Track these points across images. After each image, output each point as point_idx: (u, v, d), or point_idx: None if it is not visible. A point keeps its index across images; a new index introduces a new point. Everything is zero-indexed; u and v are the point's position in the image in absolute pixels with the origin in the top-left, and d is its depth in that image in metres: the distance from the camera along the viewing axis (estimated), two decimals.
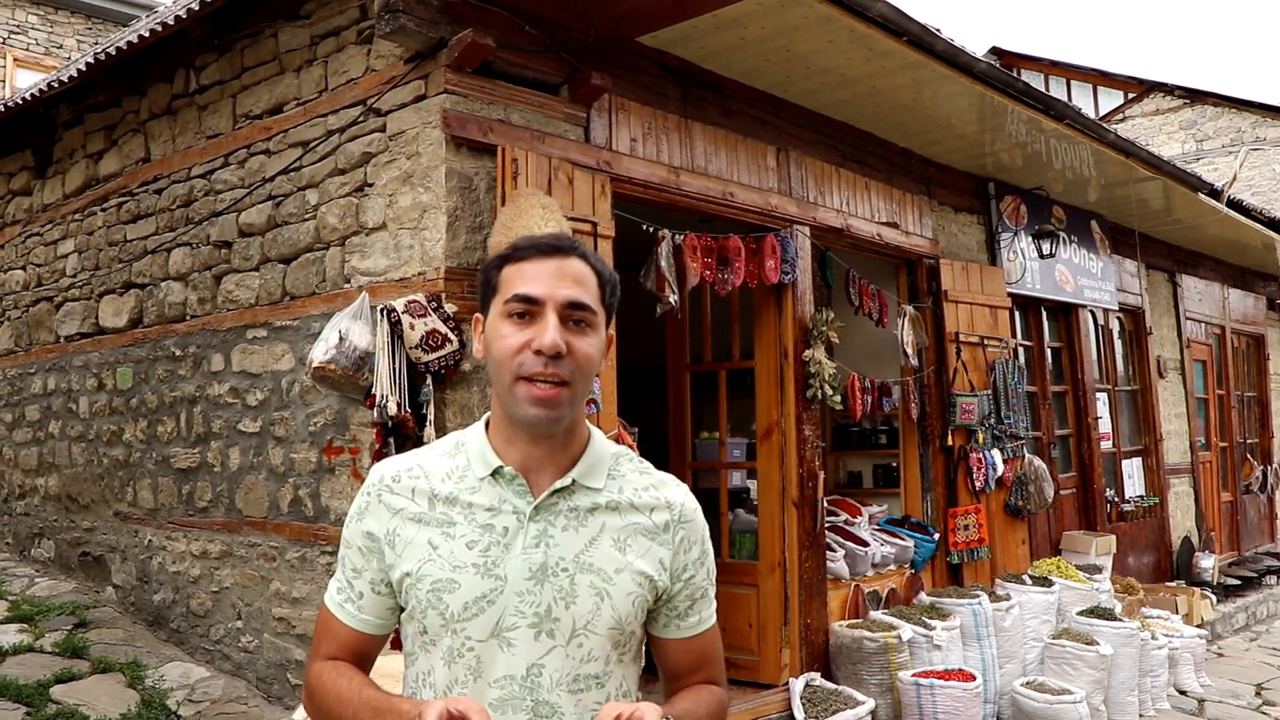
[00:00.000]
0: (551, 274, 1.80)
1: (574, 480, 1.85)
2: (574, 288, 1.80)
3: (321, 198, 5.54)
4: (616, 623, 1.81)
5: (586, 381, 1.82)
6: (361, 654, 1.94)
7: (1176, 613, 9.41)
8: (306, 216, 5.64)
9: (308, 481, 5.57)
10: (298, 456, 5.63)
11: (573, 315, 1.79)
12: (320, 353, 4.86)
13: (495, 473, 1.85)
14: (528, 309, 1.79)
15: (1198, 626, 9.48)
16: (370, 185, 5.25)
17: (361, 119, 5.27)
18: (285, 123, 5.81)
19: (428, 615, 1.81)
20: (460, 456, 1.90)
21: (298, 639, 5.60)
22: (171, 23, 6.05)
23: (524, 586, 1.79)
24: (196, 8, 5.79)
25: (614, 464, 1.92)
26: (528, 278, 1.80)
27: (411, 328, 4.66)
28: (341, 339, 4.83)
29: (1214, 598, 10.65)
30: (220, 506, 6.21)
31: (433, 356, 4.71)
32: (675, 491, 1.94)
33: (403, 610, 1.89)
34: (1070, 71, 20.88)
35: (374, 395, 4.66)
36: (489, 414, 1.92)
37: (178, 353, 6.58)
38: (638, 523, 1.87)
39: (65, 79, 7.19)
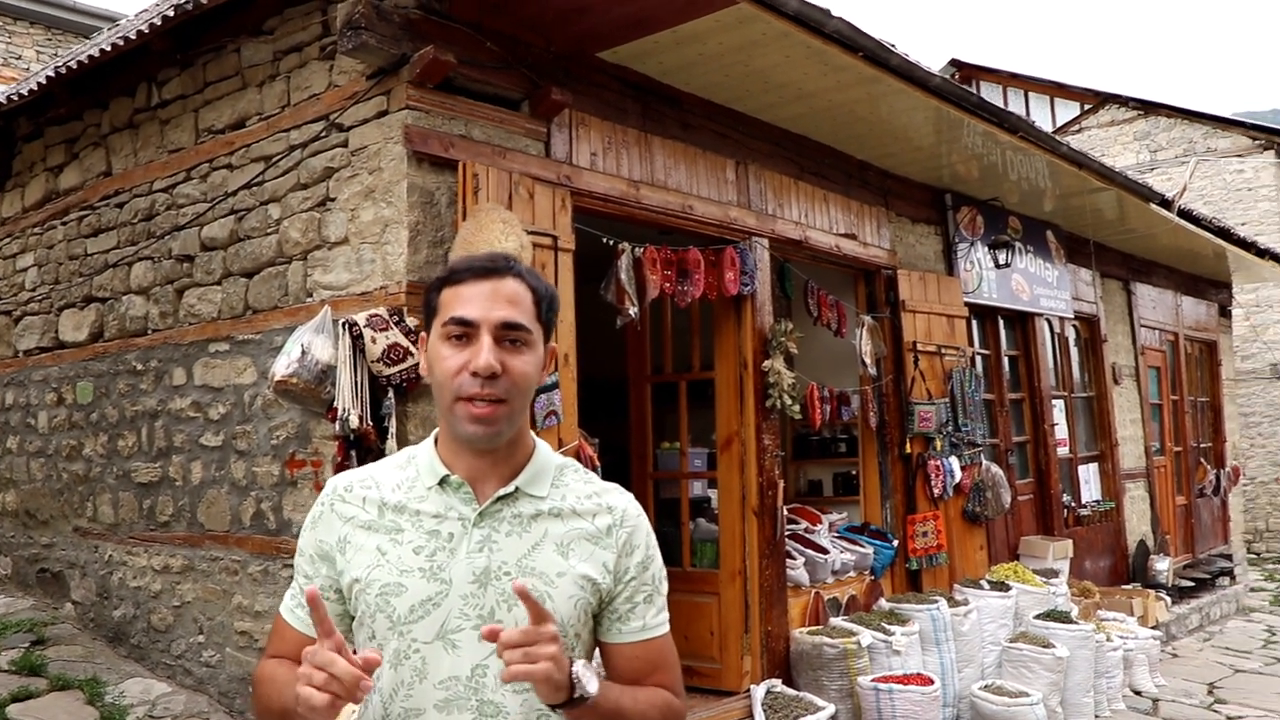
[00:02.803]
0: (486, 296, 1.87)
1: (517, 488, 1.92)
2: (507, 309, 1.86)
3: (284, 212, 5.56)
4: (559, 625, 1.86)
5: (524, 397, 1.89)
6: None
7: (1132, 615, 9.55)
8: (269, 231, 5.66)
9: (270, 495, 5.58)
10: (260, 470, 5.65)
11: (507, 335, 1.86)
12: (282, 366, 4.89)
13: (442, 481, 1.92)
14: (464, 331, 1.86)
15: (1153, 628, 9.64)
16: (332, 200, 5.28)
17: (324, 134, 5.30)
18: (248, 137, 5.83)
19: (376, 619, 1.88)
20: (411, 468, 1.98)
21: (260, 653, 5.59)
22: (133, 37, 6.06)
23: (468, 590, 1.86)
24: (159, 22, 5.80)
25: (558, 474, 1.99)
26: (463, 300, 1.87)
27: (373, 341, 4.70)
28: (304, 353, 4.86)
29: (1169, 599, 10.82)
30: (182, 521, 6.21)
31: (394, 370, 4.75)
32: (618, 498, 2.01)
33: (353, 619, 1.94)
34: (1028, 83, 21.11)
35: (336, 408, 4.70)
36: (438, 429, 1.99)
37: (139, 367, 6.58)
38: (580, 528, 1.94)
39: (25, 92, 7.17)
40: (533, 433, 2.03)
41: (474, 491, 1.91)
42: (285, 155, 5.53)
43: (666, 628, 2.03)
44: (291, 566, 5.26)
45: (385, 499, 1.94)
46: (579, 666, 1.75)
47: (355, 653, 1.71)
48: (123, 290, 6.75)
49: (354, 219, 5.15)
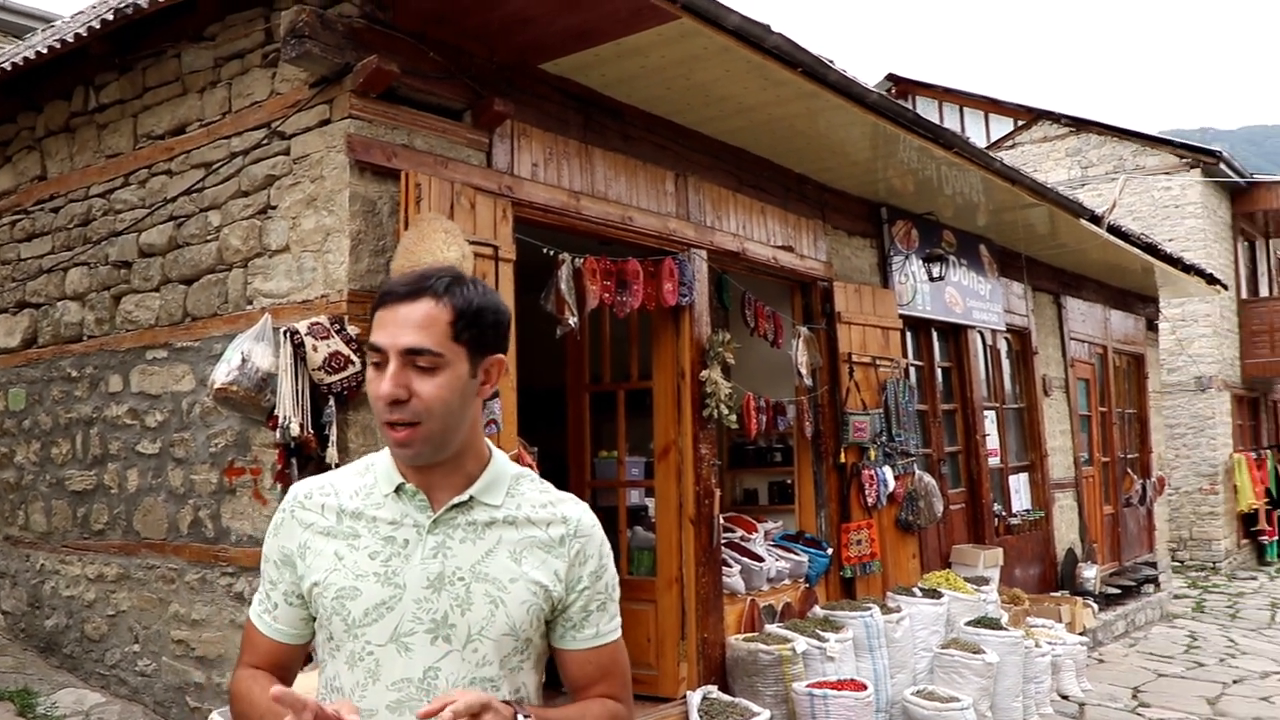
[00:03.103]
0: (397, 322, 1.89)
1: (472, 496, 1.97)
2: (414, 334, 1.87)
3: (224, 219, 5.55)
4: (510, 629, 1.93)
5: (444, 418, 1.90)
6: (281, 664, 2.07)
7: (1060, 621, 9.74)
8: (209, 238, 5.64)
9: (208, 503, 5.56)
10: (198, 478, 5.62)
11: (414, 361, 1.88)
12: (222, 374, 4.89)
13: (398, 489, 1.97)
14: (379, 358, 1.90)
15: (1080, 634, 9.84)
16: (274, 208, 5.28)
17: (265, 141, 5.30)
18: (188, 143, 5.80)
19: (332, 621, 1.93)
20: (369, 475, 2.03)
21: (197, 661, 5.58)
22: (70, 40, 6.01)
23: (422, 594, 1.91)
24: (98, 26, 5.75)
25: (514, 483, 2.04)
26: (378, 327, 1.92)
27: (314, 349, 4.71)
28: (244, 360, 4.86)
29: (1095, 606, 11.07)
30: (117, 529, 6.17)
31: (335, 378, 4.76)
32: (572, 508, 2.05)
33: (316, 621, 2.00)
34: (963, 99, 21.46)
35: (277, 416, 4.70)
36: None
37: (74, 373, 6.52)
38: (534, 536, 1.99)
39: None
40: (490, 442, 2.07)
41: (429, 499, 1.96)
42: (226, 162, 5.52)
43: (619, 633, 2.10)
44: (230, 575, 5.30)
45: (343, 506, 1.99)
46: None
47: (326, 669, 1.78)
48: (57, 296, 6.69)
49: (295, 227, 5.16)
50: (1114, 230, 10.98)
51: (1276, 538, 20.54)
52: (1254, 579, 18.04)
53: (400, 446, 1.91)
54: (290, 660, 2.09)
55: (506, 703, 1.84)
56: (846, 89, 6.47)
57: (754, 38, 5.64)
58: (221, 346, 5.30)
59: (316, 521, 1.99)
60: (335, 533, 1.97)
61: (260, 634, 2.05)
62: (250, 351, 4.89)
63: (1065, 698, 8.81)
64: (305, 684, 2.21)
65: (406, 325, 1.88)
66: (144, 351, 6.02)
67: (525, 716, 1.83)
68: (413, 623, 1.91)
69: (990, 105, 21.21)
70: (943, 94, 21.47)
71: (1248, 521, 20.06)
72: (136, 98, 6.21)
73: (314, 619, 2.01)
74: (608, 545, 2.10)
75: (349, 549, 1.94)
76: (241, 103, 5.52)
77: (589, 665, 2.05)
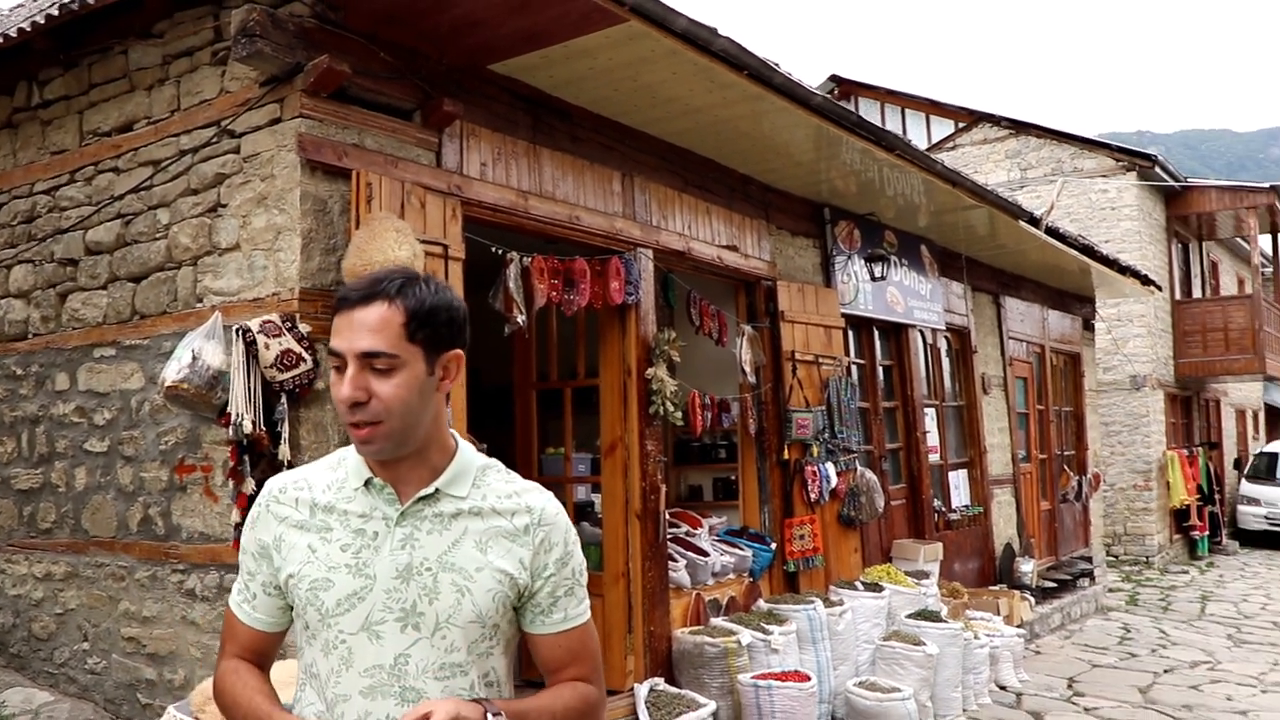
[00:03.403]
0: (352, 327, 1.97)
1: (437, 489, 2.05)
2: (369, 338, 1.95)
3: (173, 217, 5.56)
4: (477, 616, 2.01)
5: (404, 415, 1.97)
6: (260, 651, 2.15)
7: (998, 614, 9.93)
8: (157, 236, 5.65)
9: (158, 500, 5.57)
10: (148, 475, 5.63)
11: (371, 363, 1.95)
12: (173, 372, 4.90)
13: (367, 483, 2.05)
14: (339, 362, 1.98)
15: (1017, 627, 10.03)
16: (224, 206, 5.30)
17: (215, 140, 5.32)
18: (135, 141, 5.81)
19: (307, 611, 2.01)
20: (341, 470, 2.11)
21: (148, 658, 5.59)
22: (14, 35, 6.00)
23: (391, 585, 1.99)
24: (42, 21, 5.75)
25: (480, 475, 2.12)
26: (336, 332, 1.99)
27: (266, 347, 4.74)
28: (194, 358, 4.89)
29: (1033, 600, 11.28)
30: (65, 527, 6.15)
31: (287, 375, 4.80)
32: (537, 498, 2.13)
33: (293, 610, 2.08)
34: (906, 100, 21.74)
35: (229, 414, 4.73)
36: None
37: (19, 372, 6.49)
38: (499, 526, 2.06)
39: None
40: (456, 434, 2.14)
41: (397, 492, 2.04)
42: (175, 160, 5.53)
43: (587, 616, 2.18)
44: (181, 572, 5.33)
45: (316, 500, 2.07)
46: None
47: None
48: (1, 294, 6.65)
49: (246, 225, 5.18)
50: (1052, 232, 11.20)
51: (1207, 533, 20.97)
52: (1185, 573, 18.42)
53: (364, 444, 1.99)
54: (269, 647, 2.17)
55: (476, 701, 1.92)
56: (791, 92, 6.58)
57: (701, 41, 5.73)
58: (171, 344, 5.32)
59: (291, 515, 2.07)
60: (309, 526, 2.05)
61: (240, 623, 2.13)
62: (201, 349, 4.91)
63: (1003, 688, 8.99)
64: (281, 672, 2.29)
65: (361, 329, 1.95)
66: (92, 349, 6.01)
67: (495, 714, 1.90)
68: (383, 612, 1.98)
69: (932, 107, 21.51)
70: (885, 95, 21.75)
71: (1180, 517, 20.46)
72: (83, 94, 6.19)
73: (291, 608, 2.08)
74: (574, 533, 2.17)
75: (321, 541, 2.02)
76: (190, 100, 5.53)
77: (559, 649, 2.13)
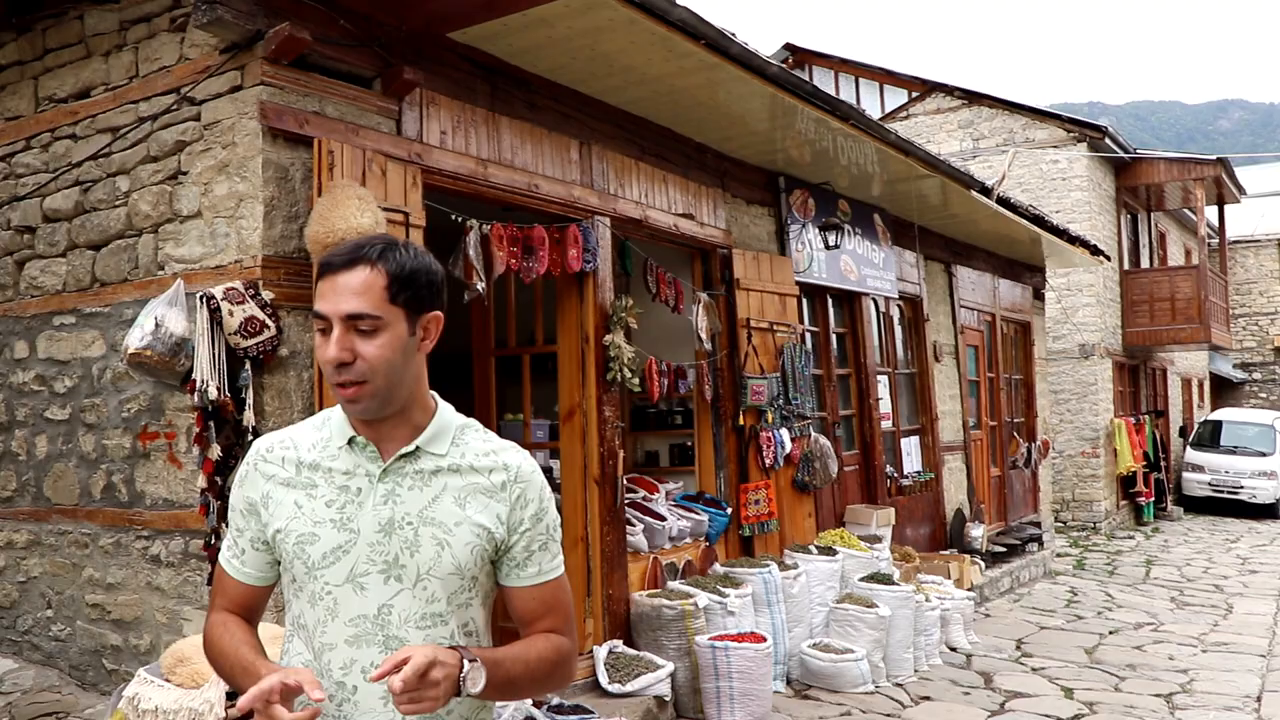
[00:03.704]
0: (336, 291, 2.04)
1: (418, 447, 2.13)
2: (353, 300, 2.03)
3: (133, 184, 5.57)
4: (456, 568, 2.10)
5: (387, 374, 2.06)
6: (248, 605, 2.24)
7: (949, 578, 10.14)
8: (117, 203, 5.65)
9: (121, 467, 5.60)
10: (110, 443, 5.66)
11: (356, 325, 2.03)
12: (136, 339, 4.94)
13: (350, 442, 2.13)
14: (324, 325, 2.06)
15: (968, 590, 10.25)
16: (185, 173, 5.32)
17: (175, 107, 5.32)
18: (93, 107, 5.80)
19: (294, 565, 2.10)
20: (326, 429, 2.19)
21: (114, 624, 5.63)
22: None
23: (374, 538, 2.07)
24: None
25: (459, 433, 2.20)
26: (320, 296, 2.07)
27: (230, 314, 4.78)
28: (158, 325, 4.92)
29: (982, 564, 11.52)
30: (27, 495, 6.16)
31: (251, 342, 4.84)
32: (513, 455, 2.22)
33: (281, 565, 2.17)
34: (860, 70, 21.83)
35: (194, 380, 4.77)
36: None
37: None
38: (477, 482, 2.15)
39: None
40: (436, 395, 2.22)
41: (379, 450, 2.12)
42: (134, 127, 5.53)
43: (561, 571, 2.26)
44: (145, 538, 5.38)
45: (302, 458, 2.15)
46: (467, 670, 1.96)
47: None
48: None
49: (207, 193, 5.21)
50: (1003, 202, 11.36)
51: (1153, 499, 21.39)
52: (1131, 538, 18.80)
53: (350, 403, 2.07)
54: (257, 602, 2.26)
55: (453, 648, 2.00)
56: (748, 61, 6.66)
57: (659, 10, 5.80)
58: (133, 312, 5.35)
59: (278, 473, 2.15)
60: (295, 483, 2.13)
61: (229, 578, 2.22)
62: (164, 316, 4.95)
63: (954, 649, 9.19)
64: (266, 633, 2.36)
65: (346, 292, 2.03)
66: (51, 317, 6.01)
67: (471, 660, 1.97)
68: (367, 564, 2.07)
69: (886, 77, 21.63)
70: (839, 65, 21.83)
71: (1126, 483, 20.86)
72: (37, 59, 6.15)
73: (279, 563, 2.17)
74: (548, 489, 2.26)
75: (307, 498, 2.11)
76: (149, 67, 5.53)
77: (533, 601, 2.22)
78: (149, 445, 5.45)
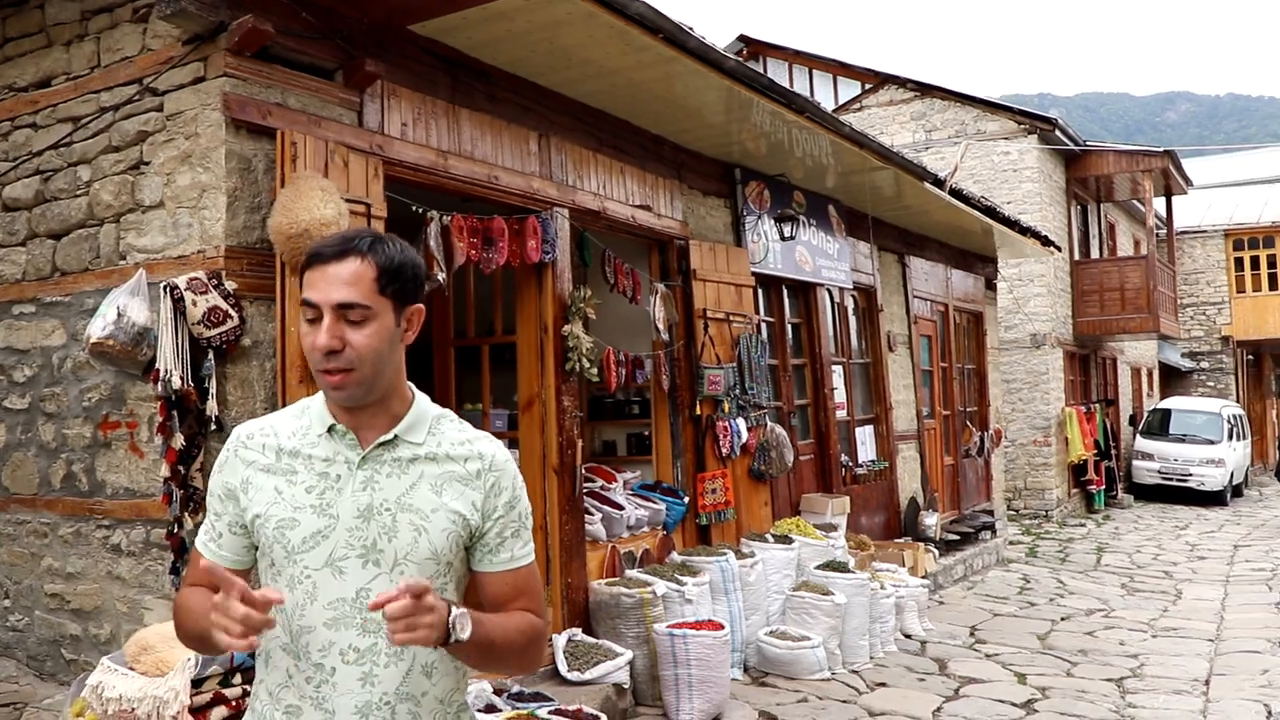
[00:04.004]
0: (327, 280, 2.10)
1: (396, 435, 2.20)
2: (344, 290, 2.09)
3: (95, 174, 5.58)
4: (433, 554, 2.16)
5: (374, 363, 2.13)
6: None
7: (903, 566, 10.28)
8: (78, 192, 5.66)
9: (82, 457, 5.62)
10: (71, 432, 5.67)
11: (346, 314, 2.10)
12: (98, 329, 4.96)
13: (330, 430, 2.20)
14: (313, 313, 2.12)
15: (922, 578, 10.39)
16: (147, 164, 5.33)
17: (137, 98, 5.34)
18: (54, 97, 5.79)
19: (274, 549, 2.15)
20: (305, 418, 2.25)
21: (73, 614, 5.65)
22: None
23: (353, 524, 2.14)
24: None
25: (435, 423, 2.27)
26: (310, 285, 2.13)
27: (194, 304, 4.82)
28: (120, 315, 4.94)
29: (936, 552, 11.69)
30: None
31: (214, 332, 4.88)
32: (488, 445, 2.29)
33: (258, 550, 2.22)
34: (813, 61, 21.96)
35: (158, 370, 4.80)
36: None
37: None
38: (453, 471, 2.22)
39: None
40: (413, 385, 2.29)
41: (358, 438, 2.19)
42: (96, 117, 5.54)
43: (532, 558, 2.33)
44: (106, 527, 5.40)
45: (282, 445, 2.21)
46: (455, 614, 2.02)
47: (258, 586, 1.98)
48: None
49: (170, 183, 5.23)
50: (956, 193, 11.51)
51: (1103, 487, 21.70)
52: (1083, 525, 19.09)
53: (335, 390, 2.13)
54: None
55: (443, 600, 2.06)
56: (705, 55, 6.74)
57: (618, 4, 5.86)
58: (94, 301, 5.37)
59: (258, 460, 2.21)
60: (275, 469, 2.18)
61: (204, 558, 2.24)
62: (126, 306, 4.97)
63: (908, 636, 9.34)
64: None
65: (337, 282, 2.09)
66: (10, 306, 6.01)
67: (460, 611, 2.04)
68: (345, 549, 2.13)
69: (839, 68, 21.77)
70: (793, 56, 21.95)
71: (1078, 472, 21.15)
72: None
73: (255, 547, 2.22)
74: (520, 479, 2.33)
75: (288, 484, 2.17)
76: (111, 58, 5.54)
77: (505, 586, 2.29)
78: (110, 435, 5.47)
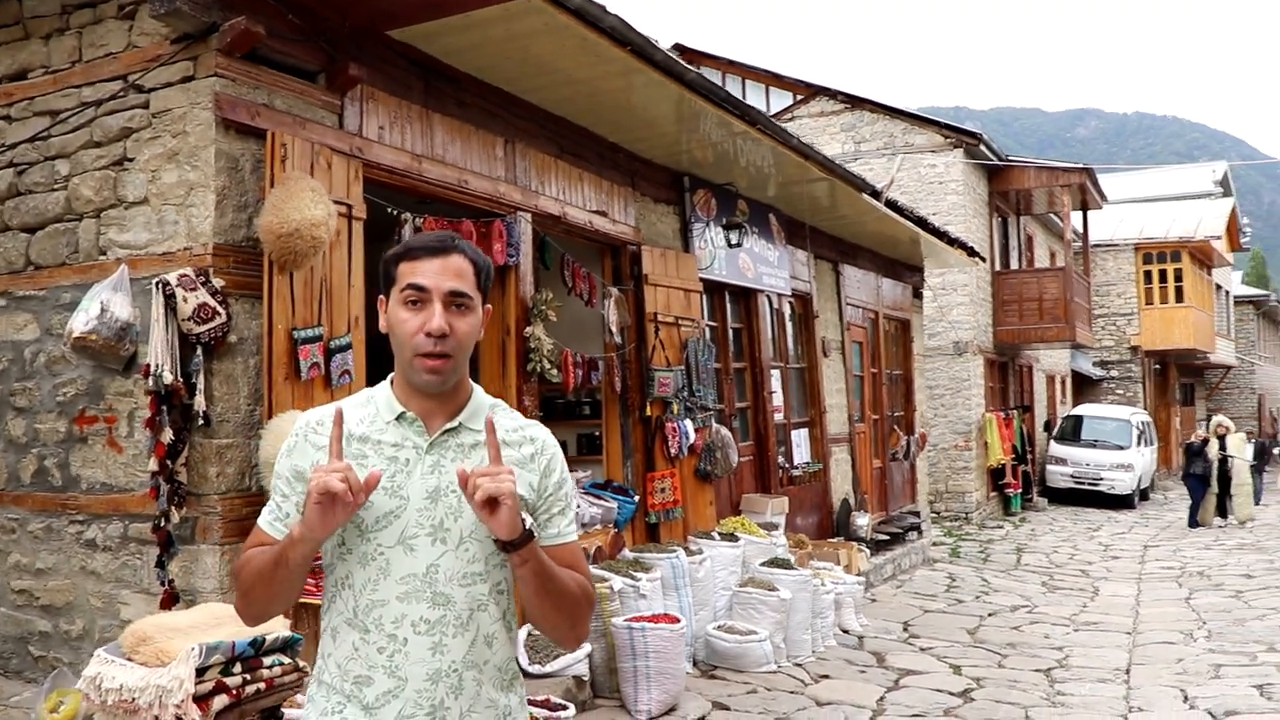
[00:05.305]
0: (438, 270, 2.26)
1: (460, 423, 2.34)
2: (455, 280, 2.26)
3: (74, 169, 5.58)
4: None
5: (466, 352, 2.30)
6: None
7: (839, 564, 10.54)
8: (56, 186, 5.66)
9: (55, 452, 5.62)
10: (43, 427, 5.66)
11: (454, 301, 2.26)
12: (81, 323, 4.99)
13: (399, 417, 2.33)
14: (419, 296, 2.25)
15: (857, 575, 10.65)
16: (131, 160, 5.36)
17: (122, 94, 5.36)
18: (30, 90, 5.78)
19: (347, 528, 2.27)
20: (370, 406, 2.37)
21: (42, 610, 5.64)
22: None
23: (422, 505, 2.27)
24: None
25: (491, 411, 2.40)
26: (415, 273, 2.27)
27: (184, 300, 4.87)
28: (104, 310, 4.99)
29: (868, 551, 11.97)
30: None
31: (203, 328, 4.94)
32: (538, 430, 2.44)
33: None
34: (746, 71, 22.25)
35: (148, 365, 4.85)
36: (393, 374, 2.37)
37: None
38: (510, 455, 2.35)
39: None
40: (469, 379, 2.43)
41: (425, 425, 2.32)
42: (76, 112, 5.55)
43: (576, 535, 2.48)
44: (80, 523, 5.41)
45: (351, 431, 2.32)
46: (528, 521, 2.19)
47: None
48: None
49: (155, 180, 5.26)
50: (891, 205, 11.83)
51: (1020, 490, 22.25)
52: (1001, 527, 19.57)
53: (434, 374, 2.25)
54: None
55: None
56: (670, 68, 6.93)
57: (592, 17, 6.02)
58: (70, 296, 5.39)
59: (329, 445, 2.30)
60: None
61: (270, 537, 2.36)
62: (109, 301, 5.02)
63: (846, 631, 9.59)
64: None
65: (448, 272, 2.26)
66: None
67: (530, 527, 2.20)
68: (416, 528, 2.27)
69: (772, 79, 22.08)
70: (727, 66, 22.21)
71: (996, 475, 21.66)
72: None
73: None
74: (564, 460, 2.49)
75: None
76: (94, 53, 5.55)
77: (554, 560, 2.43)
78: (87, 429, 5.48)
